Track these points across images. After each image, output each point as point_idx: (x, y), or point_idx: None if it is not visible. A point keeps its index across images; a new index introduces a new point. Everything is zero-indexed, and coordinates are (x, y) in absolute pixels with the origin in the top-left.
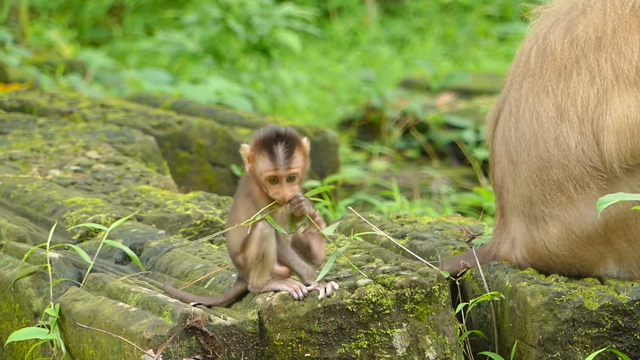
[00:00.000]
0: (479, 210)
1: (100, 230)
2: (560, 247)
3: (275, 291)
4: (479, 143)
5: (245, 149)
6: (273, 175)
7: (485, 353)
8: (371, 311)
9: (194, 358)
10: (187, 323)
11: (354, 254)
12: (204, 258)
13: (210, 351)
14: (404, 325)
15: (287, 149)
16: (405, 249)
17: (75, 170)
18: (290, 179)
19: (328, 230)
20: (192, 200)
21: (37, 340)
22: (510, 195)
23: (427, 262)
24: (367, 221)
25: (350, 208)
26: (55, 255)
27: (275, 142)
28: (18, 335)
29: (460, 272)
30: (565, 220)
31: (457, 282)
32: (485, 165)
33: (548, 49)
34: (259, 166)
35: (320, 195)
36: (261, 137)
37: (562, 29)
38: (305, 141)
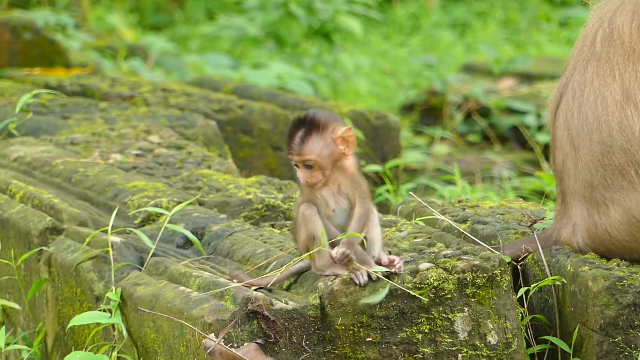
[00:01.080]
0: (541, 195)
1: (161, 214)
2: (622, 232)
3: (336, 275)
4: (540, 127)
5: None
6: (290, 159)
7: (546, 337)
8: (433, 295)
9: (256, 342)
10: (249, 307)
11: (415, 238)
12: (265, 242)
13: (271, 335)
14: (466, 309)
15: (304, 135)
16: (467, 233)
17: (137, 155)
18: (308, 166)
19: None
20: (253, 184)
21: (98, 324)
22: (571, 180)
23: (489, 247)
24: (428, 206)
25: (411, 193)
26: (116, 239)
27: (296, 126)
28: (80, 319)
29: (522, 257)
30: (627, 205)
31: (518, 267)
32: (546, 149)
33: (615, 32)
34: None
35: (382, 180)
36: (291, 120)
37: (629, 13)
38: (342, 129)
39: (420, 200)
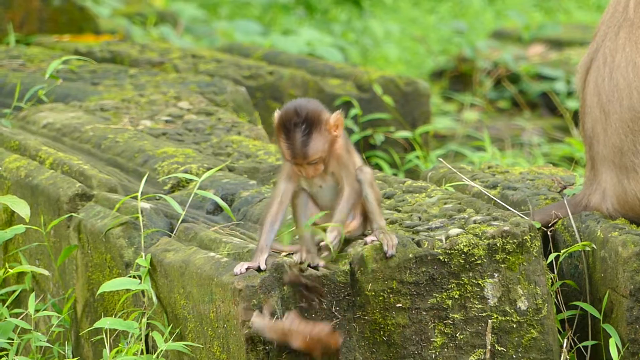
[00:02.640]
0: (571, 161)
1: (191, 180)
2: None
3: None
4: (570, 94)
5: (275, 117)
6: (293, 163)
7: (576, 303)
8: (463, 261)
9: (299, 306)
10: (286, 280)
11: (445, 204)
12: None
13: (315, 299)
14: (496, 275)
15: (305, 137)
16: (497, 199)
17: (167, 121)
18: (311, 163)
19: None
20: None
21: (128, 290)
22: (600, 146)
23: (518, 213)
24: (458, 172)
25: (441, 159)
26: (146, 205)
27: (293, 126)
28: (109, 285)
29: (552, 222)
30: None
31: (548, 232)
32: (576, 116)
33: None
34: (280, 147)
35: (411, 146)
36: (281, 117)
37: None
38: (333, 117)
39: (449, 166)
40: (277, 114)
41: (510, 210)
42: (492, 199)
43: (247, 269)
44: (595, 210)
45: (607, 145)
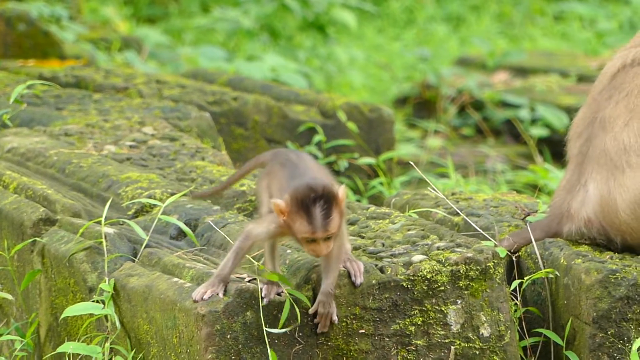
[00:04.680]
0: (534, 188)
1: (155, 205)
2: (627, 201)
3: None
4: (534, 121)
5: (280, 205)
6: (311, 238)
7: (539, 330)
8: (426, 288)
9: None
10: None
11: (408, 230)
12: None
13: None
14: (459, 301)
15: (325, 211)
16: (466, 218)
17: (131, 146)
18: (327, 238)
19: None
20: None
21: (91, 315)
22: (607, 138)
23: (486, 235)
24: (435, 188)
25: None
26: (110, 230)
27: (313, 203)
28: (73, 310)
29: (516, 249)
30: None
31: (514, 259)
32: (540, 143)
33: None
34: (296, 226)
35: (375, 173)
36: (299, 197)
37: None
38: (341, 192)
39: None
40: (292, 196)
41: (479, 231)
42: (457, 225)
43: (211, 296)
44: (574, 215)
45: (616, 139)
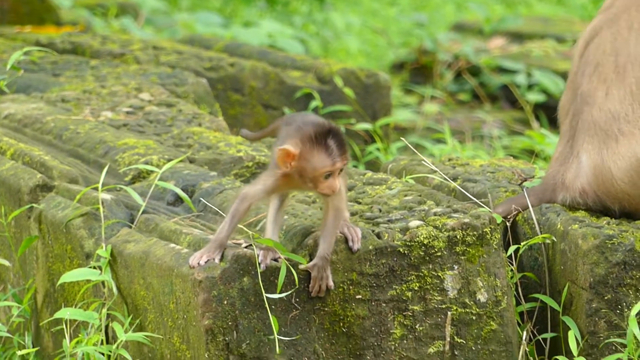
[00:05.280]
0: (531, 154)
1: (152, 171)
2: (622, 171)
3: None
4: (530, 86)
5: (288, 149)
6: (330, 171)
7: (536, 295)
8: (423, 253)
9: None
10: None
11: (405, 196)
12: None
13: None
14: (455, 267)
15: (339, 141)
16: (460, 188)
17: (128, 112)
18: (341, 170)
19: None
20: (244, 142)
21: (88, 281)
22: (593, 110)
23: (480, 202)
24: (425, 159)
25: (407, 143)
26: (107, 196)
27: (327, 135)
28: (70, 276)
29: (512, 215)
30: (636, 142)
31: (507, 224)
32: (537, 108)
33: None
34: (312, 163)
35: (372, 138)
36: (311, 134)
37: None
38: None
39: (414, 149)
40: (303, 136)
41: (472, 199)
42: (454, 190)
43: (207, 261)
44: (569, 186)
45: (602, 110)
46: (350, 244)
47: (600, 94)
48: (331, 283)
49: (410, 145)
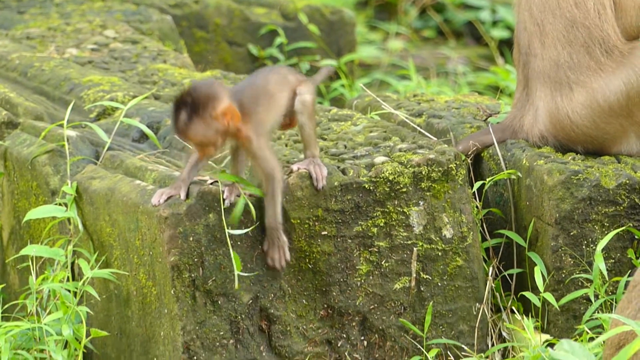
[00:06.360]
0: (496, 90)
1: (117, 108)
2: (583, 117)
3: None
4: (495, 23)
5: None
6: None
7: (502, 231)
8: (388, 189)
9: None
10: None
11: (370, 132)
12: None
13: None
14: (421, 203)
15: (186, 117)
16: (420, 129)
17: (93, 49)
18: (197, 144)
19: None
20: (209, 78)
21: (54, 218)
22: (537, 60)
23: (439, 141)
24: (381, 101)
25: (363, 86)
26: (72, 133)
27: (177, 107)
28: (35, 213)
29: (472, 151)
30: (590, 88)
31: (469, 161)
32: (501, 45)
33: None
34: None
35: (337, 75)
36: (177, 94)
37: None
38: (218, 105)
39: (374, 95)
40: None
41: (431, 138)
42: (417, 128)
43: (169, 197)
44: (528, 131)
45: (544, 59)
46: (315, 182)
47: (537, 44)
48: (287, 255)
49: (368, 90)
